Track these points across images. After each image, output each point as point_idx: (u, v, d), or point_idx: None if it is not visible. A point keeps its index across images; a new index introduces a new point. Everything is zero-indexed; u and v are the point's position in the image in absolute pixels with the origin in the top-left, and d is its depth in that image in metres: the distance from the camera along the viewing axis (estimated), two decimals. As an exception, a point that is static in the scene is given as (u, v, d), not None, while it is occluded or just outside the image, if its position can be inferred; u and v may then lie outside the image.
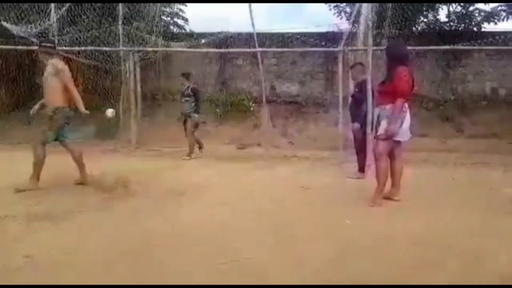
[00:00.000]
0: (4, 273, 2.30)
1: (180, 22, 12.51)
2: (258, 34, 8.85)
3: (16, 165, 4.69)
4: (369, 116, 5.39)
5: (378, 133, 4.03)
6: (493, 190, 4.68)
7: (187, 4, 12.39)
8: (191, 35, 11.82)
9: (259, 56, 9.59)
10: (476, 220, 3.40)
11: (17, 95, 10.03)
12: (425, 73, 11.11)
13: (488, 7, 11.10)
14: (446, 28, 11.34)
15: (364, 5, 6.62)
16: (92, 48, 9.22)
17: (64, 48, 9.05)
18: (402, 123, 3.91)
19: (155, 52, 10.24)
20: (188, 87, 7.58)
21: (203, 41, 11.17)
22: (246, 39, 10.09)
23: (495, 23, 10.94)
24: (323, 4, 12.11)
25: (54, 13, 8.81)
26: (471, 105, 10.96)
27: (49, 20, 8.80)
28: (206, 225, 3.25)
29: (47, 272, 2.32)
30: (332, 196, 4.38)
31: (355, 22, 7.86)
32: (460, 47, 9.52)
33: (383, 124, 3.95)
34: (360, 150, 5.73)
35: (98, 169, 5.22)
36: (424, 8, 11.02)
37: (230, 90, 12.11)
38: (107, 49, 9.29)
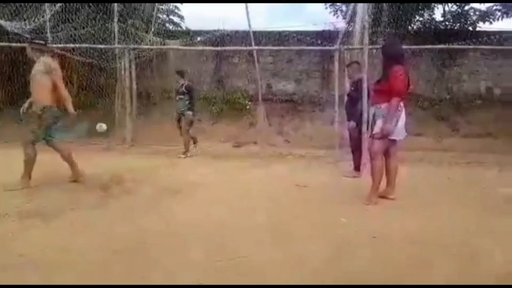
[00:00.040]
0: (-1, 272, 2.28)
1: (176, 19, 12.48)
2: (254, 32, 8.84)
3: (10, 163, 4.64)
4: (365, 115, 5.40)
5: (373, 132, 4.03)
6: (488, 189, 4.70)
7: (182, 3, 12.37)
8: (187, 33, 11.78)
9: (255, 54, 9.57)
10: (472, 219, 3.40)
11: (11, 93, 9.96)
12: (421, 72, 11.15)
13: (483, 6, 11.17)
14: (441, 27, 11.38)
15: (360, 4, 6.62)
16: (87, 45, 9.15)
17: (59, 45, 8.99)
18: (397, 122, 3.91)
19: (151, 49, 10.20)
20: (182, 85, 7.54)
21: (199, 38, 11.13)
22: (242, 37, 10.07)
23: (490, 23, 11.02)
24: (322, 4, 12.12)
25: (48, 9, 8.75)
26: (466, 105, 11.02)
27: (43, 17, 8.73)
28: (202, 224, 3.23)
29: (41, 270, 2.29)
30: (328, 195, 4.38)
31: (351, 21, 7.86)
32: (455, 46, 9.56)
33: (379, 123, 3.95)
34: (356, 148, 5.74)
35: (93, 167, 5.18)
36: (420, 7, 11.04)
37: (226, 88, 12.09)
38: (102, 46, 9.23)
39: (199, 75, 11.82)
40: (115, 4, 9.06)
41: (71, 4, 9.36)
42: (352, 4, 7.42)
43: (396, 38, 9.99)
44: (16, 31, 8.60)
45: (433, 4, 11.25)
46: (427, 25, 11.50)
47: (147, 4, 10.72)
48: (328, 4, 11.94)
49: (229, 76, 12.23)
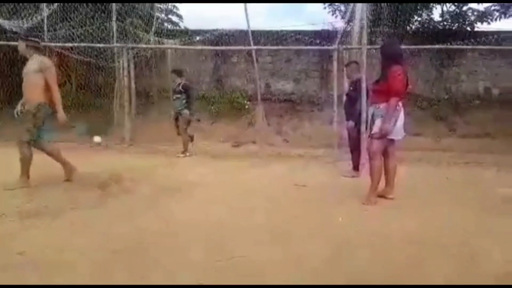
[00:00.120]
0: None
1: (174, 19, 12.47)
2: (253, 32, 8.84)
3: (9, 162, 4.62)
4: (364, 115, 5.41)
5: (372, 132, 4.04)
6: (487, 189, 4.71)
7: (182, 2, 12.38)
8: (185, 32, 11.78)
9: (254, 54, 9.58)
10: (471, 219, 3.41)
11: (10, 92, 9.93)
12: (419, 72, 11.18)
13: (481, 6, 11.20)
14: (440, 27, 11.40)
15: (358, 4, 6.62)
16: (85, 44, 9.14)
17: (57, 44, 8.98)
18: (396, 121, 3.92)
19: (149, 49, 10.19)
20: (179, 84, 7.52)
21: (197, 38, 11.12)
22: (241, 36, 10.06)
23: (489, 23, 11.05)
24: (321, 4, 12.13)
25: (46, 8, 8.73)
26: (465, 105, 11.05)
27: (41, 15, 8.71)
28: (201, 223, 3.22)
29: (41, 270, 2.28)
30: (327, 194, 4.38)
31: (350, 20, 7.87)
32: (453, 46, 9.58)
33: (377, 122, 3.95)
34: (355, 148, 5.74)
35: (91, 166, 5.17)
36: (418, 8, 11.06)
37: (225, 87, 12.09)
38: (101, 45, 9.22)
39: (198, 74, 11.82)
40: (113, 3, 9.05)
41: (70, 2, 9.34)
42: (351, 4, 7.43)
43: (394, 38, 10.01)
44: (14, 29, 8.59)
45: (431, 4, 11.27)
46: (425, 25, 11.52)
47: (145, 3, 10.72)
48: (326, 4, 11.94)
49: (228, 76, 12.23)
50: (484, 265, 2.42)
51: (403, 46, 6.18)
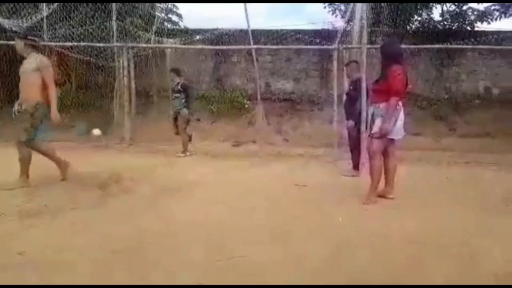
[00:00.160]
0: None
1: (174, 18, 12.46)
2: (253, 31, 8.84)
3: (9, 162, 4.62)
4: (364, 114, 5.40)
5: (372, 131, 4.04)
6: (487, 189, 4.71)
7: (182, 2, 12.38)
8: (185, 32, 11.77)
9: (254, 53, 9.57)
10: (471, 219, 3.41)
11: (10, 91, 9.92)
12: (419, 71, 11.18)
13: (481, 6, 11.20)
14: (440, 27, 11.39)
15: (359, 4, 6.62)
16: (85, 43, 9.14)
17: (57, 43, 8.98)
18: (396, 121, 3.92)
19: (149, 48, 10.18)
20: (178, 83, 7.51)
21: (197, 37, 11.12)
22: (241, 36, 10.05)
23: (488, 23, 11.04)
24: (321, 4, 12.12)
25: (46, 7, 8.72)
26: (465, 104, 11.05)
27: (41, 14, 8.70)
28: (201, 223, 3.22)
29: (41, 270, 2.28)
30: (327, 194, 4.38)
31: (350, 20, 7.87)
32: (454, 46, 9.58)
33: (377, 122, 3.95)
34: (355, 148, 5.74)
35: (91, 166, 5.17)
36: (418, 7, 11.05)
37: (225, 87, 12.08)
38: (101, 45, 9.22)
39: (198, 74, 11.82)
40: (114, 2, 9.05)
41: (70, 2, 9.34)
42: (351, 4, 7.42)
43: (394, 37, 10.01)
44: (14, 28, 8.58)
45: (431, 4, 11.27)
46: (425, 25, 11.52)
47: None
48: (327, 4, 11.94)
49: (228, 75, 12.22)
50: (484, 265, 2.42)
51: (403, 46, 6.19)
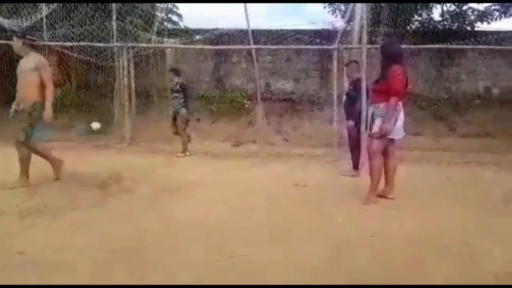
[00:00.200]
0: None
1: (174, 18, 12.46)
2: (253, 31, 8.84)
3: (8, 162, 4.62)
4: (363, 114, 5.40)
5: (372, 131, 4.04)
6: (487, 189, 4.71)
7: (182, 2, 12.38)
8: (185, 32, 11.76)
9: (254, 53, 9.57)
10: (471, 219, 3.41)
11: (9, 91, 9.92)
12: (419, 71, 11.18)
13: (481, 6, 11.20)
14: (440, 27, 11.39)
15: (358, 4, 6.62)
16: (85, 43, 9.14)
17: (57, 43, 8.97)
18: (396, 121, 3.92)
19: (149, 48, 10.18)
20: (177, 83, 7.51)
21: (197, 37, 11.11)
22: (241, 36, 10.05)
23: (489, 23, 11.05)
24: (321, 4, 12.12)
25: (46, 7, 8.72)
26: (465, 104, 11.05)
27: (41, 14, 8.70)
28: (201, 223, 3.22)
29: (41, 270, 2.28)
30: (327, 194, 4.38)
31: (350, 20, 7.87)
32: (454, 46, 9.58)
33: (377, 122, 3.95)
34: (355, 147, 5.74)
35: (91, 165, 5.16)
36: (418, 7, 11.06)
37: (225, 87, 12.08)
38: (101, 44, 9.22)
39: (198, 74, 11.82)
40: (114, 3, 9.04)
41: (70, 2, 9.34)
42: (351, 4, 7.42)
43: (394, 37, 10.00)
44: (14, 28, 8.57)
45: (431, 4, 11.27)
46: (425, 25, 11.52)
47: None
48: (327, 4, 11.94)
49: (228, 75, 12.22)
50: (484, 265, 2.42)
51: (403, 46, 6.19)
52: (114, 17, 8.94)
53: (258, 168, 6.23)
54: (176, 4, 12.28)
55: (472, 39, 9.55)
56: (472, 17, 11.20)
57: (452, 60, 11.41)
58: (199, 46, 11.03)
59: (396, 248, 2.71)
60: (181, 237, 2.88)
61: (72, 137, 9.17)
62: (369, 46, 6.62)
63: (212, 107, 11.34)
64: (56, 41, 9.02)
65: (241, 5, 8.10)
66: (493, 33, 10.05)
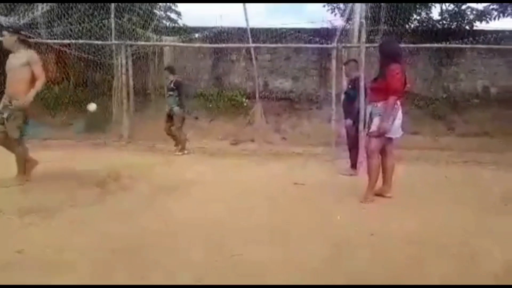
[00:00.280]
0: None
1: (173, 16, 12.41)
2: (252, 29, 8.82)
3: (7, 160, 4.59)
4: (362, 113, 5.40)
5: (370, 130, 4.04)
6: (486, 188, 4.71)
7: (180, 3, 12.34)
8: (184, 30, 11.72)
9: (252, 52, 9.55)
10: (470, 219, 3.41)
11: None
12: (418, 70, 11.17)
13: (480, 6, 11.20)
14: (439, 26, 11.40)
15: (357, 4, 6.61)
16: (83, 41, 9.10)
17: (55, 41, 8.93)
18: (394, 120, 3.93)
19: (148, 46, 10.15)
20: (171, 81, 7.49)
21: (196, 35, 11.07)
22: (240, 34, 10.03)
23: (487, 22, 11.04)
24: (321, 4, 12.10)
25: (44, 4, 8.68)
26: (463, 103, 11.06)
27: (39, 11, 8.66)
28: (200, 222, 3.21)
29: (41, 270, 2.27)
30: (325, 193, 4.38)
31: (349, 19, 7.86)
32: (452, 45, 9.58)
33: (375, 121, 3.96)
34: (353, 146, 5.74)
35: (90, 163, 5.14)
36: (417, 6, 11.05)
37: (223, 85, 12.04)
38: (99, 42, 9.18)
39: (197, 72, 11.79)
40: (112, 2, 9.01)
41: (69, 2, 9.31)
42: (350, 3, 7.41)
43: (393, 36, 10.00)
44: (11, 26, 8.53)
45: (430, 3, 11.27)
46: (424, 24, 11.52)
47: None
48: (326, 3, 11.92)
49: (227, 74, 12.18)
50: (484, 265, 2.43)
51: (401, 45, 6.18)
52: (112, 15, 8.90)
53: (257, 167, 6.22)
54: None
55: (471, 38, 9.56)
56: (471, 17, 11.21)
57: (451, 59, 11.41)
58: (198, 45, 10.99)
59: (395, 247, 2.70)
60: (180, 237, 2.87)
61: (70, 135, 9.13)
62: (368, 45, 6.62)
63: (210, 105, 11.30)
64: (54, 38, 8.98)
65: (241, 5, 8.09)
66: (491, 32, 10.05)
